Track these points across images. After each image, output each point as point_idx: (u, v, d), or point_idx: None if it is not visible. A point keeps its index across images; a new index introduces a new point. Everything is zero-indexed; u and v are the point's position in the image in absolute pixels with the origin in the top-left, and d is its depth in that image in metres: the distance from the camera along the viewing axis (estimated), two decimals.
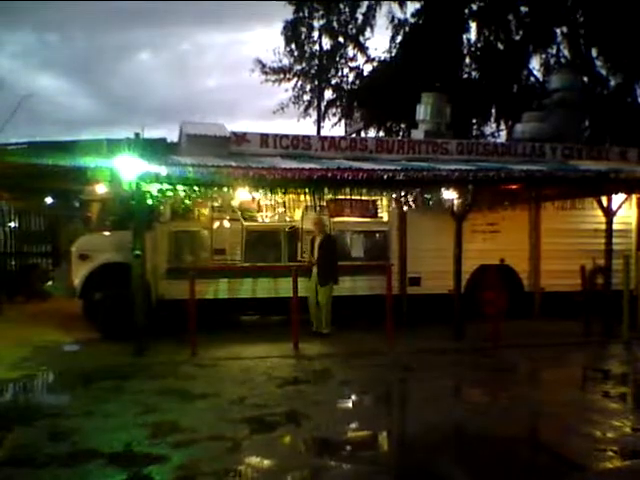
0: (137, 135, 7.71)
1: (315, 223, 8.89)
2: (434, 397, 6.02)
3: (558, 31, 17.74)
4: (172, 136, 10.54)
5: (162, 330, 8.62)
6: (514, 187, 8.64)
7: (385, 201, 9.62)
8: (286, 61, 20.32)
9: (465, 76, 18.44)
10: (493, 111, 18.49)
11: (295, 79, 20.57)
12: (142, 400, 5.85)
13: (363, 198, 9.12)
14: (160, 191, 7.43)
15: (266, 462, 4.57)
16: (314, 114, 20.78)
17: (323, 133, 19.76)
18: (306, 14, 19.93)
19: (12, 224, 13.02)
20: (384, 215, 9.83)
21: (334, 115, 20.56)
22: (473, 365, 7.33)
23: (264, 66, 20.27)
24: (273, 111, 20.57)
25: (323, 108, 20.63)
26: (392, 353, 7.78)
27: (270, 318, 10.14)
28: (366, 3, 19.42)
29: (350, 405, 6.10)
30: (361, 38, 19.83)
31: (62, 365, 7.19)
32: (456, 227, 8.57)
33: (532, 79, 18.52)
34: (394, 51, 18.61)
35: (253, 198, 8.79)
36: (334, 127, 20.56)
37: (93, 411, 5.54)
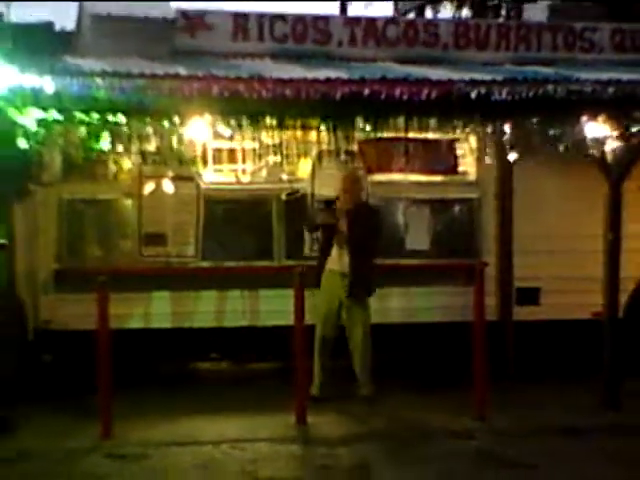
0: None
1: (346, 182, 8.84)
2: None
3: None
4: (65, 20, 10.53)
5: (47, 389, 8.66)
6: None
7: (472, 143, 9.62)
8: None
9: None
10: None
11: None
12: None
13: (430, 137, 9.12)
14: (43, 124, 7.43)
15: None
16: None
17: (353, 12, 19.68)
18: None
19: None
20: (470, 170, 9.88)
21: None
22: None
23: None
24: None
25: None
26: (485, 434, 7.81)
27: (252, 366, 10.19)
28: None
29: None
30: None
31: None
32: (610, 193, 8.51)
33: None
34: None
35: (220, 137, 8.75)
36: (373, 0, 20.52)
37: None
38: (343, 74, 8.18)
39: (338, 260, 8.63)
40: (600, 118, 8.24)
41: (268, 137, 8.72)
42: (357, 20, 10.21)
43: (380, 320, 8.91)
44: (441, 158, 9.74)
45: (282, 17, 9.65)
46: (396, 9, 19.74)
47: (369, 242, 8.67)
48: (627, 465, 7.15)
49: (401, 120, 8.01)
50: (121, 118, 7.57)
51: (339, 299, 8.61)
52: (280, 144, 9.14)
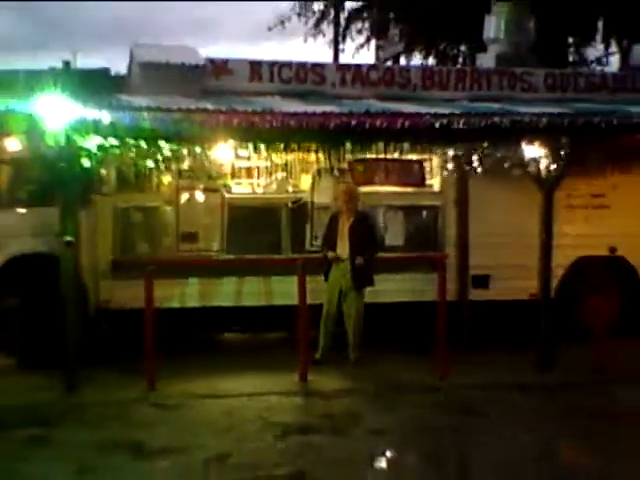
0: (67, 64, 7.74)
1: (345, 194, 8.80)
2: (508, 459, 6.02)
3: None
4: (118, 66, 10.56)
5: (105, 354, 8.68)
6: (633, 139, 8.57)
7: (437, 162, 9.62)
8: None
9: None
10: (600, 26, 18.27)
11: None
12: (76, 456, 5.91)
13: (403, 158, 9.08)
14: (101, 148, 7.46)
15: None
16: (329, 32, 20.65)
17: (343, 60, 19.64)
18: None
19: None
20: (435, 183, 9.84)
21: (359, 33, 20.45)
22: (567, 409, 7.31)
23: None
24: (268, 27, 20.48)
25: (343, 22, 20.49)
26: (445, 389, 7.82)
27: (265, 336, 10.19)
28: None
29: (384, 466, 6.14)
30: None
31: None
32: (544, 201, 8.52)
33: None
34: None
35: (239, 158, 8.79)
36: (359, 51, 20.48)
37: (8, 471, 5.61)
38: (335, 108, 8.22)
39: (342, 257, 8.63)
40: (536, 142, 8.30)
41: (277, 158, 8.73)
42: (346, 66, 10.28)
43: (368, 300, 8.93)
44: (412, 174, 9.67)
45: (288, 64, 9.68)
46: (377, 57, 19.72)
47: (368, 244, 8.66)
48: (560, 415, 7.19)
49: (381, 144, 8.07)
50: (162, 143, 7.65)
51: (340, 286, 8.61)
52: (287, 163, 9.18)
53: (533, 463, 6.16)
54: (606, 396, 7.73)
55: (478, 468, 6.04)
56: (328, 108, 8.18)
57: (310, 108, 8.13)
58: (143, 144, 7.55)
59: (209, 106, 7.98)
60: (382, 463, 6.17)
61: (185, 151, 7.89)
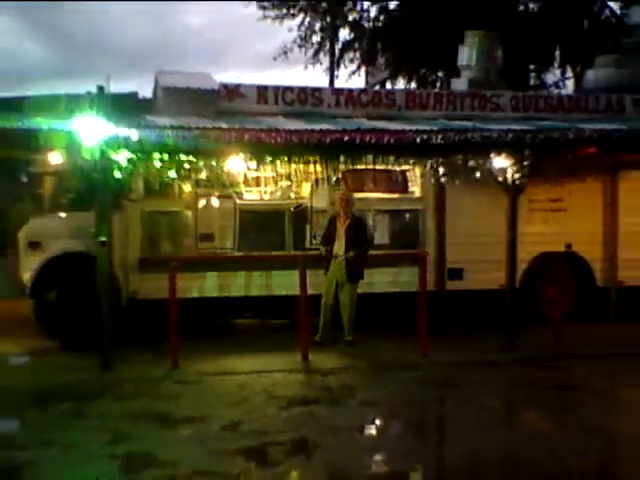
0: (101, 89, 7.71)
1: (342, 200, 8.78)
2: (480, 424, 6.03)
3: None
4: (145, 90, 10.58)
5: (134, 338, 8.69)
6: (585, 152, 8.58)
7: (418, 172, 9.60)
8: None
9: (521, 9, 18.20)
10: (557, 54, 18.29)
11: (302, 15, 20.45)
12: (110, 426, 5.91)
13: (389, 168, 9.11)
14: (130, 161, 7.46)
15: None
16: (326, 60, 20.67)
17: (338, 85, 19.66)
18: None
19: None
20: (416, 190, 9.82)
21: (351, 61, 20.43)
22: (529, 382, 7.33)
23: None
24: (274, 57, 20.49)
25: (337, 52, 20.49)
26: (426, 366, 7.82)
27: (271, 322, 10.19)
28: None
29: (374, 432, 6.14)
30: None
31: (8, 383, 7.24)
32: (509, 204, 8.53)
33: (607, 12, 18.27)
34: None
35: (249, 169, 8.78)
36: (352, 77, 20.47)
37: (50, 440, 5.60)
38: (331, 126, 8.20)
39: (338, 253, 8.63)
40: (503, 155, 8.31)
41: (281, 169, 8.69)
42: (340, 90, 10.25)
43: (360, 291, 8.92)
44: (397, 182, 9.69)
45: (290, 88, 9.65)
46: (367, 82, 19.74)
47: (361, 243, 8.65)
48: (523, 386, 7.21)
49: (370, 157, 8.05)
50: (183, 157, 7.65)
51: (337, 279, 8.60)
52: (289, 173, 9.15)
53: (503, 425, 6.20)
54: (562, 371, 7.78)
55: (458, 432, 6.04)
56: (325, 126, 8.16)
57: (309, 126, 8.13)
58: (166, 157, 7.55)
59: (223, 125, 7.98)
60: (373, 429, 6.17)
61: (202, 163, 7.88)
